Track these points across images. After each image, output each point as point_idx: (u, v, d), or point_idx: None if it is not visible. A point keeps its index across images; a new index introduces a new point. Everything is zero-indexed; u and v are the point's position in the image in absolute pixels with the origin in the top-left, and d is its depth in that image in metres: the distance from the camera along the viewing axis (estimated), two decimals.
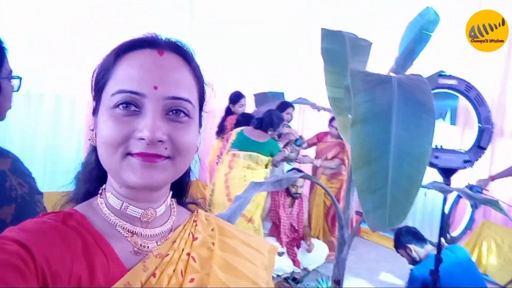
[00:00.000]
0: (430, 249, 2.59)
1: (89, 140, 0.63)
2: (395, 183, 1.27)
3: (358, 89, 1.30)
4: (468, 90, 2.35)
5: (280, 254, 3.71)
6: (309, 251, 3.80)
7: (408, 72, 2.38)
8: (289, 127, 4.30)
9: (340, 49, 2.11)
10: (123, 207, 0.61)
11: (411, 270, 2.53)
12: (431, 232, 4.44)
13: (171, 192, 0.67)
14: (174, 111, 0.57)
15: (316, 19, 5.23)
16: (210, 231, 0.68)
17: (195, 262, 0.62)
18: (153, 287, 0.56)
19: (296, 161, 4.14)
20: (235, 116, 4.07)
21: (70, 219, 0.58)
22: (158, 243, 0.62)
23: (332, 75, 2.05)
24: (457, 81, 2.34)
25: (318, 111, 4.82)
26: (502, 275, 3.45)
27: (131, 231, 0.61)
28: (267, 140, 3.54)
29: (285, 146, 3.88)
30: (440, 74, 2.32)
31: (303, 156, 4.22)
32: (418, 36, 2.29)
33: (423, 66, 4.16)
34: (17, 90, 1.05)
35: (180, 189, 0.72)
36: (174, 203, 0.69)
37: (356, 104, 1.28)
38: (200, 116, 0.65)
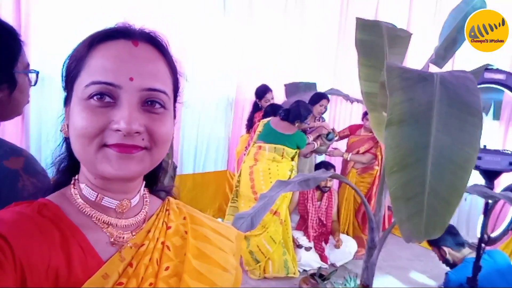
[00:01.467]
0: (467, 252, 2.44)
1: (61, 131, 0.62)
2: (433, 191, 1.17)
3: (395, 87, 1.19)
4: None
5: (308, 249, 3.64)
6: (337, 246, 3.70)
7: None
8: (324, 119, 4.17)
9: (377, 41, 1.98)
10: (98, 198, 0.60)
11: (447, 273, 2.39)
12: (467, 231, 4.24)
13: (144, 182, 0.67)
14: (150, 102, 0.56)
15: (350, 8, 5.03)
16: (182, 219, 0.70)
17: (170, 250, 0.63)
18: (130, 277, 0.57)
19: (326, 154, 4.02)
20: (262, 112, 3.99)
21: (45, 210, 0.58)
22: (133, 233, 0.62)
23: (367, 69, 1.93)
24: (505, 76, 2.16)
25: (351, 103, 4.68)
26: None
27: (107, 222, 0.61)
28: (294, 132, 3.43)
29: (316, 139, 3.76)
30: (487, 68, 2.14)
31: (334, 149, 4.09)
32: (462, 24, 2.11)
33: (462, 57, 3.94)
34: (34, 85, 1.02)
35: (154, 178, 0.72)
36: (146, 192, 0.69)
37: (392, 103, 1.17)
38: (174, 107, 0.65)
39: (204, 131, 4.47)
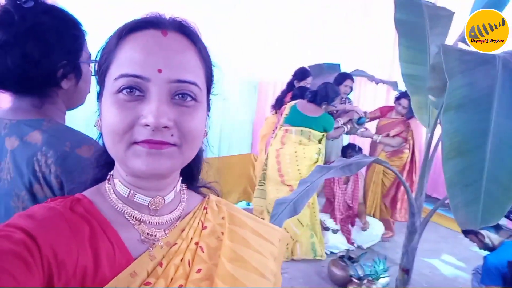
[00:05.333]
0: (506, 236, 2.40)
1: (95, 126, 0.60)
2: (492, 178, 1.14)
3: (454, 71, 1.15)
4: None
5: (335, 231, 3.66)
6: (364, 229, 3.70)
7: None
8: (350, 100, 4.09)
9: (417, 21, 1.91)
10: (130, 194, 0.59)
11: (485, 257, 2.36)
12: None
13: (181, 178, 0.65)
14: (180, 95, 0.53)
15: None
16: (220, 219, 0.66)
17: (203, 252, 0.60)
18: (159, 277, 0.55)
19: (354, 134, 3.94)
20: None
21: (78, 205, 0.57)
22: (166, 232, 0.60)
23: (408, 50, 1.87)
24: None
25: (377, 84, 4.59)
26: None
27: (139, 219, 0.59)
28: (320, 115, 3.38)
29: (346, 123, 3.70)
30: None
31: (363, 129, 3.98)
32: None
33: None
34: (95, 74, 1.03)
35: (191, 174, 0.69)
36: (184, 188, 0.67)
37: (451, 88, 1.14)
38: (208, 100, 0.62)
39: (229, 115, 4.45)
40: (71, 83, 0.94)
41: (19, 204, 0.93)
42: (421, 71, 1.73)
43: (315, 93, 3.39)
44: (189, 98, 0.54)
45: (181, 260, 0.58)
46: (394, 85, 4.31)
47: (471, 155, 1.15)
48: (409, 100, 3.37)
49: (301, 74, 3.93)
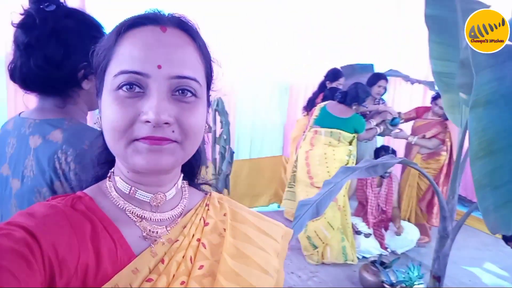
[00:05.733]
0: None
1: (95, 123, 0.60)
2: None
3: (482, 65, 1.08)
4: None
5: (367, 235, 3.55)
6: (398, 234, 3.57)
7: None
8: (384, 101, 3.97)
9: (449, 16, 1.83)
10: (131, 191, 0.59)
11: None
12: None
13: (182, 175, 0.65)
14: (180, 91, 0.53)
15: None
16: (222, 216, 0.66)
17: (205, 248, 0.60)
18: (161, 273, 0.55)
19: (388, 136, 3.81)
20: None
21: (79, 203, 0.57)
22: (168, 228, 0.60)
23: (439, 46, 1.79)
24: None
25: (412, 84, 4.44)
26: None
27: (140, 215, 0.59)
28: (350, 115, 3.30)
29: (379, 124, 3.58)
30: None
31: (398, 130, 3.84)
32: None
33: None
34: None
35: (191, 170, 0.69)
36: (185, 185, 0.67)
37: (478, 83, 1.07)
38: (208, 96, 0.62)
39: (260, 117, 4.45)
40: (91, 84, 0.96)
41: (41, 200, 0.96)
42: (452, 68, 1.64)
43: (345, 93, 3.33)
44: (189, 94, 0.54)
45: (183, 257, 0.58)
46: (431, 85, 4.13)
47: (501, 155, 1.07)
48: None
49: (333, 75, 3.87)
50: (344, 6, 4.61)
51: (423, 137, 3.70)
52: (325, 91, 3.74)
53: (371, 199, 3.64)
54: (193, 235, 0.61)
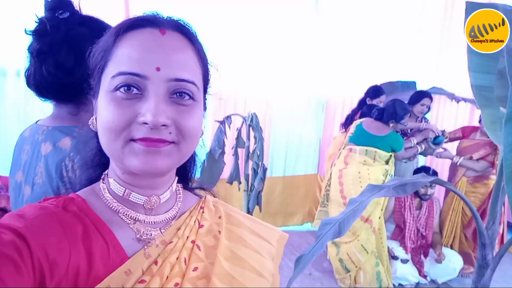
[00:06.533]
0: None
1: (89, 124, 0.60)
2: None
3: None
4: None
5: (404, 261, 3.34)
6: (438, 261, 3.33)
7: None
8: (427, 120, 3.77)
9: None
10: (125, 193, 0.59)
11: None
12: None
13: (177, 178, 0.65)
14: (178, 94, 0.54)
15: None
16: (217, 218, 0.66)
17: (200, 250, 0.60)
18: (154, 275, 0.54)
19: (431, 155, 3.59)
20: None
21: (71, 204, 0.56)
22: (162, 231, 0.60)
23: (478, 58, 1.67)
24: None
25: (458, 102, 4.21)
26: None
27: (134, 218, 0.59)
28: (387, 133, 3.16)
29: (421, 142, 3.39)
30: None
31: (441, 150, 3.58)
32: None
33: None
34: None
35: (186, 173, 0.70)
36: (180, 188, 0.67)
37: None
38: (205, 99, 0.62)
39: (295, 133, 4.39)
40: None
41: None
42: (492, 80, 1.52)
43: (382, 110, 3.20)
44: (187, 97, 0.54)
45: (177, 258, 0.57)
46: None
47: None
48: None
49: (374, 91, 3.74)
50: (383, 22, 4.49)
51: (470, 158, 3.45)
52: (363, 108, 3.63)
53: (409, 223, 3.43)
54: (188, 237, 0.61)
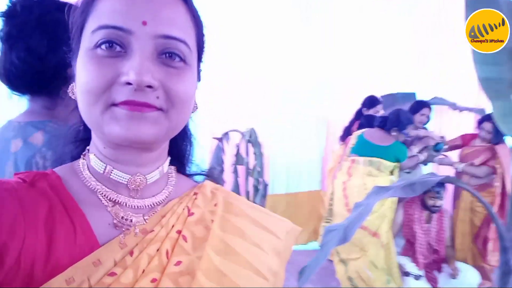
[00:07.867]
0: None
1: (68, 92, 0.53)
2: None
3: None
4: None
5: (417, 277, 3.17)
6: (453, 276, 3.15)
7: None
8: (426, 129, 3.72)
9: None
10: (106, 170, 0.51)
11: None
12: None
13: (169, 158, 0.57)
14: (168, 54, 0.47)
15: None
16: (213, 206, 0.57)
17: (186, 242, 0.52)
18: (127, 267, 0.46)
19: (432, 162, 3.52)
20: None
21: (42, 180, 0.50)
22: (145, 217, 0.52)
23: None
24: None
25: (460, 111, 4.15)
26: None
27: (114, 199, 0.51)
28: (391, 143, 3.10)
29: (422, 150, 3.32)
30: None
31: (442, 156, 3.54)
32: None
33: None
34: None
35: (180, 155, 0.62)
36: (173, 171, 0.59)
37: None
38: (199, 67, 0.55)
39: (297, 150, 4.34)
40: None
41: None
42: (500, 72, 1.44)
43: (385, 118, 3.14)
44: (177, 58, 0.48)
45: (158, 250, 0.50)
46: (481, 112, 3.85)
47: None
48: (493, 123, 2.93)
49: (370, 101, 3.74)
50: (382, 34, 4.47)
51: (471, 164, 3.37)
52: (361, 118, 3.57)
53: (420, 237, 3.27)
54: (173, 226, 0.53)
